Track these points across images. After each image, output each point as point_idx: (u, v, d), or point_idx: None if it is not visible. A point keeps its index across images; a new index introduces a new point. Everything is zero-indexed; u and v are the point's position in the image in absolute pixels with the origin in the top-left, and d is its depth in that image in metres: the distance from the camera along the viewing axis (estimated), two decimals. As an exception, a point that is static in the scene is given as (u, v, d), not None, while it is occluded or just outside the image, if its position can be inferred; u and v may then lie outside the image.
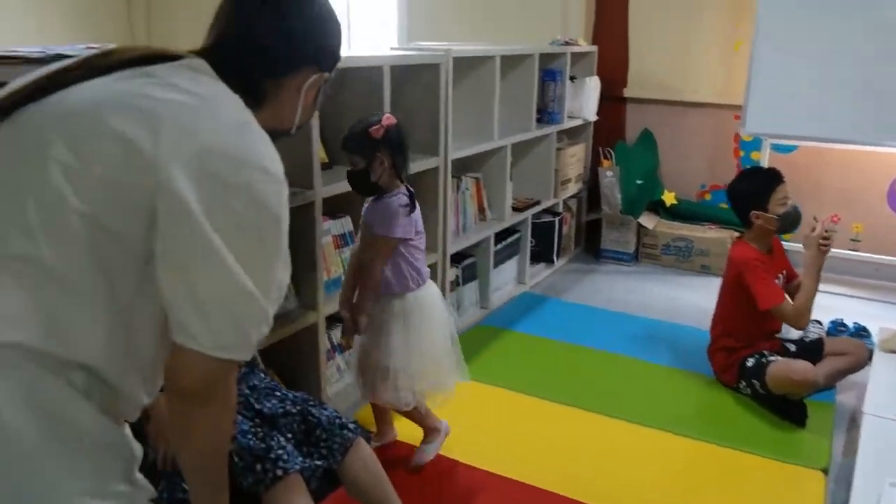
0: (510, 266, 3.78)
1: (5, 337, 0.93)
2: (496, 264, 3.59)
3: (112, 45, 1.12)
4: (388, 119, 1.99)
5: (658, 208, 4.50)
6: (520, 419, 2.55)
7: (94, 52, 1.08)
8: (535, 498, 2.08)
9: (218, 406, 1.05)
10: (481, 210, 3.50)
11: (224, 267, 0.96)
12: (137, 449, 1.08)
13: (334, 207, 2.55)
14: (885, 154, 3.93)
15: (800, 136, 3.91)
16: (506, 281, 3.75)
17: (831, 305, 3.22)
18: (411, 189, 2.10)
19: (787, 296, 2.70)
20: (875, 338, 2.73)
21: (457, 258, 3.29)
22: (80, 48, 1.59)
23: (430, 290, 2.16)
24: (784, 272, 2.83)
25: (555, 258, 4.16)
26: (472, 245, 3.37)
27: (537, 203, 3.90)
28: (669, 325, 3.42)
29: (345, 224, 2.61)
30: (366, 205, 2.14)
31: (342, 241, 2.60)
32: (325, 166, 2.53)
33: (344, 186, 2.22)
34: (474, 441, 2.37)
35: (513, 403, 2.65)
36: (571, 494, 2.09)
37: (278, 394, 1.57)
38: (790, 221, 2.72)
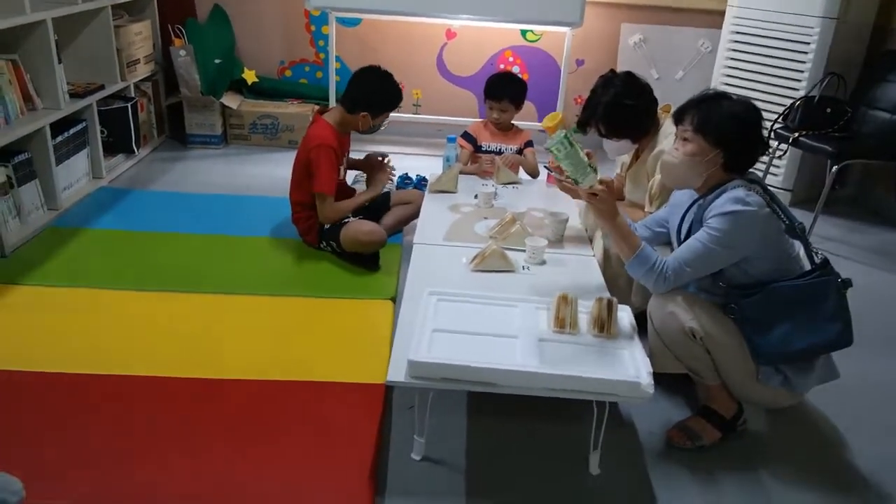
0: (80, 160, 3.39)
1: None
2: (60, 160, 3.18)
3: None
4: None
5: (241, 87, 4.44)
6: (107, 314, 2.38)
7: None
8: (146, 385, 2.01)
9: None
10: (27, 98, 3.02)
11: None
12: None
13: None
14: (433, 25, 4.44)
15: (361, 9, 4.17)
16: (77, 177, 3.37)
17: (399, 165, 3.61)
18: None
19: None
20: (430, 186, 3.17)
21: (4, 156, 2.83)
22: None
23: None
24: (348, 153, 3.05)
25: (135, 148, 3.86)
26: (22, 139, 2.92)
27: (101, 88, 3.52)
28: (262, 199, 3.50)
29: None
30: None
31: None
32: None
33: None
34: (56, 347, 2.17)
35: (97, 300, 2.46)
36: (179, 374, 2.07)
37: None
38: (372, 132, 2.97)
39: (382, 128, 2.99)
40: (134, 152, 3.87)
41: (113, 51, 3.61)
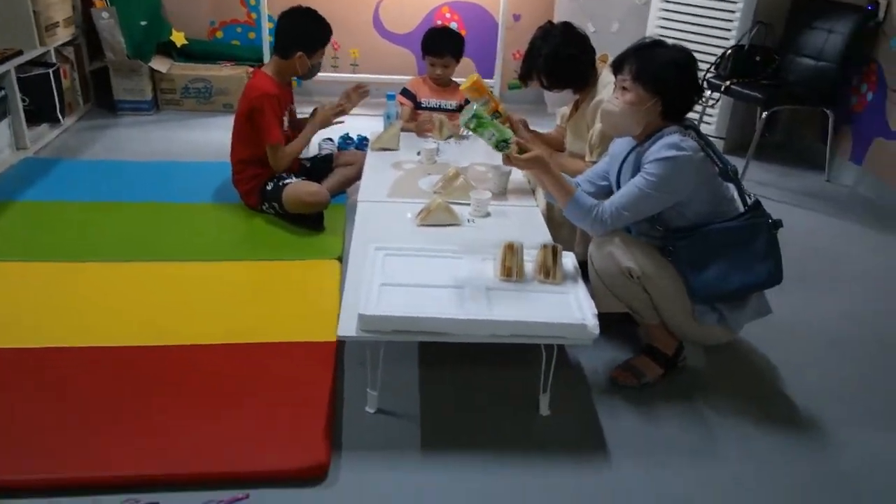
0: (1, 130, 3.23)
1: None
2: (-21, 130, 3.03)
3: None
4: None
5: (170, 50, 4.27)
6: (45, 287, 2.31)
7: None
8: (86, 357, 1.96)
9: None
10: (-62, 65, 2.85)
11: None
12: None
13: None
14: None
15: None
16: (-1, 148, 3.22)
17: (340, 125, 3.56)
18: None
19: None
20: (371, 143, 3.14)
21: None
22: None
23: None
24: (292, 105, 2.99)
25: (60, 116, 3.69)
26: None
27: (19, 53, 3.34)
28: (198, 164, 3.41)
29: None
30: None
31: None
32: None
33: None
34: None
35: (32, 273, 2.38)
36: (127, 343, 2.03)
37: None
38: (312, 74, 2.93)
39: (321, 65, 2.93)
40: (59, 121, 3.70)
41: (29, 13, 3.42)
